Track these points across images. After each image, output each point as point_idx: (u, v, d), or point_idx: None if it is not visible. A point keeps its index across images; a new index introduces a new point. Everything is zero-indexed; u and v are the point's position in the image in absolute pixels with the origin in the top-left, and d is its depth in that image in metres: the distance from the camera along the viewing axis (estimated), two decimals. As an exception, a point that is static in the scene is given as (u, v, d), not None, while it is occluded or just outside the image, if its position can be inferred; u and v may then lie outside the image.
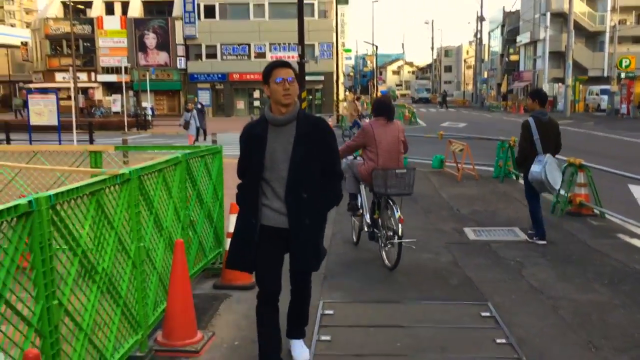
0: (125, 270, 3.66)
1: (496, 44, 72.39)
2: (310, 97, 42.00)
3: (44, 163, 6.53)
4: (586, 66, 49.31)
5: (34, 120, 19.54)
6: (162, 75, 47.89)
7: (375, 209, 6.51)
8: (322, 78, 46.02)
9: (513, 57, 62.25)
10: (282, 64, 3.53)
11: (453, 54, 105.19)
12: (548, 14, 49.90)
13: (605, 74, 46.48)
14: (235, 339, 4.35)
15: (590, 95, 45.69)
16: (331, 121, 30.33)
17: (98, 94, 49.08)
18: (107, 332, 3.38)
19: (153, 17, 49.56)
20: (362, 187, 6.76)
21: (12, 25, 70.26)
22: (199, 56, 48.84)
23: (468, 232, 7.72)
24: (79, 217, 3.06)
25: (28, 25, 64.64)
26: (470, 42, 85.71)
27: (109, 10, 50.49)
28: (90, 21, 49.07)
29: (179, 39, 48.01)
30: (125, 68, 40.88)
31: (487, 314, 4.76)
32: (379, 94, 77.89)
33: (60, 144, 17.46)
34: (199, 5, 47.53)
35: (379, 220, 6.38)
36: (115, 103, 45.57)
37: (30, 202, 2.56)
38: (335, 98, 43.66)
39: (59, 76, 47.68)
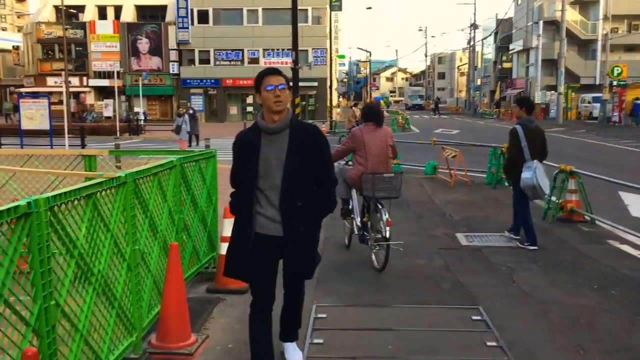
0: (121, 272, 3.69)
1: (489, 52, 72.82)
2: (304, 103, 42.11)
3: (38, 167, 6.55)
4: (578, 74, 49.69)
5: (26, 125, 19.50)
6: (154, 80, 47.88)
7: (365, 212, 6.63)
8: (315, 84, 46.16)
9: (506, 65, 62.66)
10: (273, 72, 3.54)
11: (446, 61, 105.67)
12: (541, 22, 50.30)
13: (598, 82, 46.84)
14: (229, 342, 4.38)
15: (582, 103, 46.02)
16: (325, 127, 30.47)
17: (90, 99, 48.96)
18: (103, 334, 3.41)
19: (146, 21, 49.58)
20: (353, 191, 6.85)
21: (4, 29, 70.03)
22: (192, 61, 48.88)
23: (460, 237, 7.78)
24: (76, 219, 3.10)
25: (20, 29, 64.46)
26: (463, 49, 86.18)
27: (102, 14, 50.48)
28: (82, 25, 49.04)
29: (172, 44, 48.03)
30: (118, 73, 40.85)
31: (478, 317, 4.82)
32: (373, 100, 78.17)
33: (51, 148, 17.42)
34: (192, 11, 47.58)
35: (369, 223, 6.52)
36: (107, 108, 45.48)
37: (29, 203, 2.60)
38: (328, 104, 43.80)
39: (50, 80, 47.56)
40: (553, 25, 48.32)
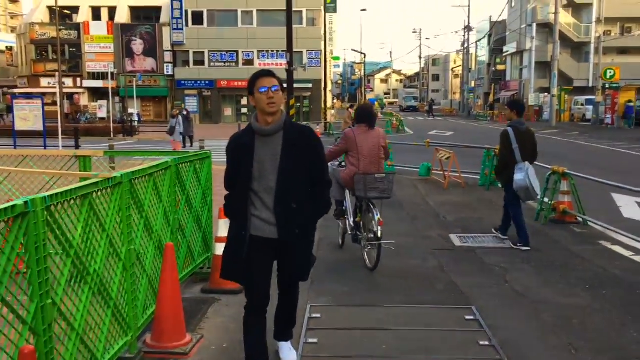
0: (116, 272, 3.71)
1: (483, 54, 73.09)
2: (298, 104, 42.16)
3: (33, 167, 6.55)
4: (572, 76, 49.96)
5: (19, 126, 19.47)
6: (149, 81, 47.85)
7: (357, 212, 6.72)
8: (310, 86, 46.24)
9: (500, 67, 62.90)
10: (266, 74, 3.54)
11: (441, 63, 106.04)
12: (534, 25, 50.56)
13: (591, 85, 47.14)
14: (223, 341, 4.40)
15: (575, 106, 46.27)
16: (319, 129, 30.51)
17: (84, 100, 48.88)
18: (98, 333, 3.43)
19: (140, 23, 49.55)
20: (347, 192, 6.93)
21: (-2, 30, 69.81)
22: (186, 62, 48.86)
23: (454, 238, 7.82)
24: (72, 219, 3.12)
25: (13, 30, 64.26)
26: (457, 52, 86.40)
27: (96, 15, 50.41)
28: (76, 26, 48.97)
29: (167, 45, 48.02)
30: (112, 74, 40.79)
31: (471, 317, 4.86)
32: (367, 102, 78.25)
33: (45, 149, 17.40)
34: (186, 12, 47.58)
35: (361, 223, 6.60)
36: (101, 109, 45.40)
37: (26, 203, 2.62)
38: (323, 106, 43.83)
39: (44, 81, 47.50)
40: (546, 28, 48.57)
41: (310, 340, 4.36)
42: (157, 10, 49.46)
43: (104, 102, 44.95)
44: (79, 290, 3.17)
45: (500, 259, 6.78)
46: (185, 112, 24.39)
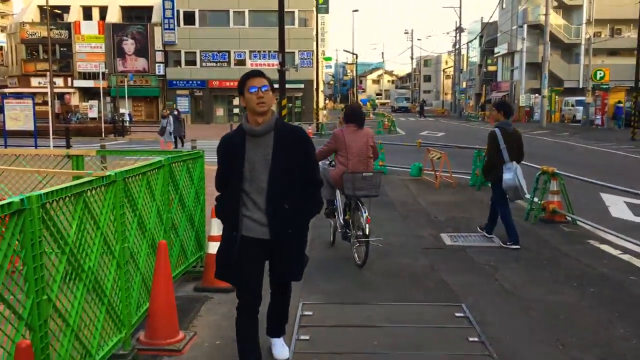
0: (110, 270, 3.75)
1: (474, 55, 73.38)
2: (290, 105, 42.19)
3: (25, 166, 6.56)
4: (562, 77, 50.25)
5: (10, 125, 19.42)
6: (140, 81, 47.69)
7: (347, 210, 6.85)
8: (302, 86, 46.29)
9: (491, 68, 63.15)
10: (256, 74, 3.54)
11: (432, 64, 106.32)
12: (525, 26, 50.80)
13: (581, 86, 47.41)
14: (216, 338, 4.45)
15: (566, 106, 46.56)
16: (311, 129, 30.56)
17: (74, 100, 48.65)
18: (93, 329, 3.46)
19: (132, 22, 49.38)
20: (337, 191, 7.05)
21: (-12, 29, 69.42)
22: (178, 62, 48.75)
23: (444, 237, 7.90)
24: (67, 217, 3.16)
25: (3, 29, 63.84)
26: (449, 52, 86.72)
27: (87, 15, 50.20)
28: (67, 26, 48.73)
29: (158, 45, 47.88)
30: (103, 74, 40.65)
31: (461, 314, 4.93)
32: (355, 102, 78.36)
33: (36, 149, 17.34)
34: (178, 12, 47.47)
35: (350, 221, 6.73)
36: (92, 109, 45.24)
37: (22, 200, 2.65)
38: (315, 106, 43.88)
39: (34, 81, 47.27)
40: (537, 29, 48.84)
41: (303, 337, 4.42)
42: (149, 10, 49.34)
43: (94, 102, 44.80)
44: (73, 287, 3.21)
45: (490, 257, 6.86)
46: (176, 112, 24.40)
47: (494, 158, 7.32)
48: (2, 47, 52.77)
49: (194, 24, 48.22)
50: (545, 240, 7.77)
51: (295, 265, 3.69)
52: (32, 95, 23.72)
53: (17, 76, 48.99)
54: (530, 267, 6.49)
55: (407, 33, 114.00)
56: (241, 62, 47.36)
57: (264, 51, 47.09)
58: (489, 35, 63.84)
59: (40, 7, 48.17)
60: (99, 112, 40.21)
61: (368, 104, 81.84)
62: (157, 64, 48.10)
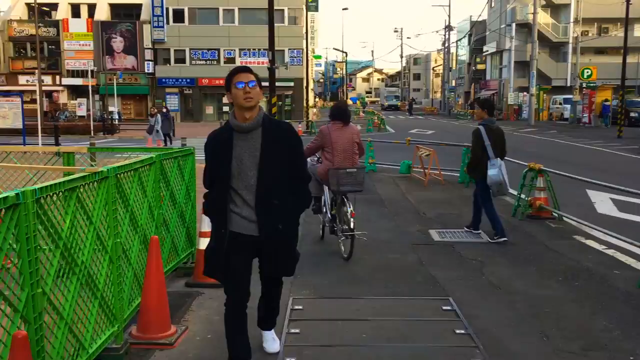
0: (103, 264, 3.80)
1: (464, 53, 73.71)
2: (280, 103, 42.19)
3: (16, 163, 6.57)
4: (550, 76, 50.62)
5: (-2, 124, 19.28)
6: (129, 79, 47.49)
7: (333, 205, 7.04)
8: (292, 84, 46.30)
9: (480, 66, 63.49)
10: (243, 69, 3.54)
11: (422, 62, 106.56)
12: (513, 25, 51.10)
13: (568, 84, 47.78)
14: (208, 332, 4.51)
15: (553, 105, 46.94)
16: (301, 127, 30.61)
17: (63, 98, 48.37)
18: (86, 323, 3.51)
19: (120, 20, 49.14)
20: (325, 187, 7.21)
21: (-25, 27, 68.80)
22: (167, 60, 48.61)
23: (433, 233, 8.00)
24: (61, 212, 3.21)
25: (-9, 26, 63.30)
26: (438, 51, 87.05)
27: (75, 12, 49.87)
28: (55, 23, 48.38)
29: (147, 42, 47.69)
30: (92, 71, 40.44)
31: (448, 307, 5.02)
32: (349, 101, 78.47)
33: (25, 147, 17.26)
34: (167, 9, 47.32)
35: (337, 216, 6.89)
36: (81, 107, 44.96)
37: (17, 194, 2.70)
38: (305, 104, 43.94)
39: (22, 79, 46.96)
40: (525, 28, 49.17)
41: (293, 331, 4.49)
42: (138, 7, 49.10)
43: (83, 100, 44.52)
44: (67, 281, 3.26)
45: (477, 252, 6.96)
46: (164, 110, 24.39)
47: (479, 155, 7.46)
48: (-11, 44, 52.31)
49: (183, 21, 48.09)
50: (532, 236, 7.89)
51: (287, 260, 3.71)
52: (21, 93, 23.59)
53: (4, 74, 48.59)
54: (517, 262, 6.60)
55: (396, 31, 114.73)
56: (231, 60, 47.29)
57: (254, 49, 47.06)
58: (477, 34, 64.13)
59: (28, 5, 47.87)
60: (88, 110, 39.98)
61: (358, 102, 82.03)
62: (146, 62, 47.91)
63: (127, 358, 3.99)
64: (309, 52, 51.36)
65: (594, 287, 5.71)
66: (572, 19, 49.60)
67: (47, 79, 46.29)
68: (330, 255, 6.86)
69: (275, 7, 20.58)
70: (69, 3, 49.74)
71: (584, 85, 39.16)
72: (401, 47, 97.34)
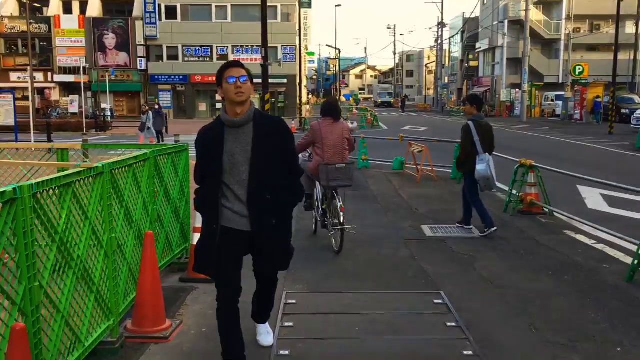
0: (99, 259, 3.84)
1: (456, 50, 73.91)
2: (274, 100, 42.20)
3: (10, 160, 6.59)
4: (542, 73, 50.86)
5: (-10, 120, 19.24)
6: (121, 76, 47.36)
7: (324, 200, 7.15)
8: (285, 81, 46.35)
9: (472, 63, 63.72)
10: (234, 64, 3.52)
11: (415, 59, 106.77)
12: (506, 22, 51.31)
13: (561, 81, 48.05)
14: (202, 326, 4.56)
15: (546, 101, 47.14)
16: (294, 124, 30.62)
17: (55, 95, 48.19)
18: (82, 317, 3.56)
19: (112, 16, 48.99)
20: (317, 183, 7.32)
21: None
22: (159, 57, 48.50)
23: (425, 229, 8.07)
24: (57, 206, 3.25)
25: (-18, 23, 62.88)
26: (431, 48, 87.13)
27: (67, 9, 49.67)
28: (47, 20, 48.16)
29: (140, 39, 47.56)
30: (84, 68, 40.29)
31: (440, 301, 5.09)
32: (342, 97, 78.50)
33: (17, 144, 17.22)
34: (160, 6, 47.18)
35: (328, 210, 7.02)
36: (73, 104, 44.72)
37: (14, 189, 2.75)
38: (298, 101, 43.95)
39: (13, 76, 46.78)
40: (518, 25, 49.37)
41: (286, 324, 4.55)
42: (130, 4, 48.92)
43: (75, 97, 44.30)
44: (64, 275, 3.31)
45: (469, 247, 7.04)
46: (157, 107, 24.36)
47: (468, 150, 7.55)
48: (-20, 41, 51.98)
49: (176, 18, 47.99)
50: (523, 231, 7.98)
51: (282, 255, 3.72)
52: (13, 90, 23.51)
53: (-4, 71, 48.38)
54: (508, 256, 6.69)
55: (389, 28, 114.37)
56: (224, 57, 47.17)
57: (247, 46, 47.02)
58: (470, 31, 64.31)
59: (20, 1, 47.61)
60: (80, 107, 39.84)
61: (351, 99, 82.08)
62: (138, 59, 47.78)
63: (122, 351, 4.04)
64: (302, 48, 51.35)
65: (583, 280, 5.80)
66: (564, 16, 49.87)
67: (39, 76, 46.09)
68: (322, 250, 6.92)
69: (268, 4, 20.61)
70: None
71: (576, 82, 39.36)
72: (394, 44, 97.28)
